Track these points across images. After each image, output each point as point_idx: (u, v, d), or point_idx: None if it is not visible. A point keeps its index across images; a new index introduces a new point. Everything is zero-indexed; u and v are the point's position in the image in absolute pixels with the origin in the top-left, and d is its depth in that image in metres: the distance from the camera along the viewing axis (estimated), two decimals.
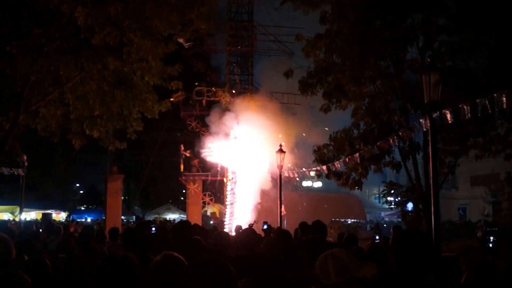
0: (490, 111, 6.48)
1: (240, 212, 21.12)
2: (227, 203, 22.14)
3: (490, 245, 5.41)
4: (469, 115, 6.64)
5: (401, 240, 2.62)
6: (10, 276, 3.13)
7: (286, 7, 13.43)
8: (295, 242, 5.67)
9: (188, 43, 17.46)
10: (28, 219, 27.31)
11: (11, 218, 25.74)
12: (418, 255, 2.51)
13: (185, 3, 11.61)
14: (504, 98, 6.06)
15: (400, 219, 19.38)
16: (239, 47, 23.84)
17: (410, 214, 12.79)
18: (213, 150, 21.28)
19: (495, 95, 6.17)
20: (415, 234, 2.67)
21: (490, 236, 5.54)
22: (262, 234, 8.54)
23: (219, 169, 22.28)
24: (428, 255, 2.58)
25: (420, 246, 2.52)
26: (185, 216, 26.53)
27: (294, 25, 18.13)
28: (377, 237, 8.79)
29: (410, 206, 13.52)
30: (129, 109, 12.91)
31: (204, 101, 22.68)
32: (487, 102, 6.25)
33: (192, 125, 23.24)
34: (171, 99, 16.82)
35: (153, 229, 8.16)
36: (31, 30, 10.72)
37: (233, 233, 12.15)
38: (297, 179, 19.81)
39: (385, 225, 30.83)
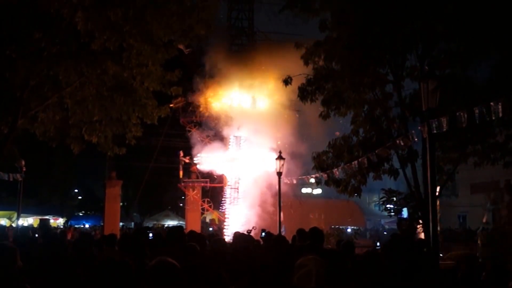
0: (487, 119, 6.49)
1: (239, 219, 21.03)
2: (226, 210, 22.06)
3: None
4: (466, 122, 6.65)
5: (393, 247, 2.62)
6: (14, 285, 3.13)
7: (285, 14, 13.46)
8: (293, 248, 5.65)
9: (188, 49, 17.51)
10: (25, 224, 27.21)
11: (7, 225, 25.62)
12: (411, 261, 2.51)
13: (185, 8, 11.63)
14: (500, 107, 6.07)
15: None
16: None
17: (405, 222, 12.72)
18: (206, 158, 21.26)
19: (491, 103, 6.18)
20: (407, 241, 2.68)
21: None
22: (261, 241, 8.51)
23: (216, 176, 22.21)
24: (421, 262, 2.58)
25: (414, 253, 2.52)
26: (184, 223, 26.43)
27: (294, 31, 18.19)
28: (378, 244, 8.78)
29: (405, 213, 13.45)
30: (129, 114, 12.90)
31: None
32: (484, 110, 6.26)
33: (192, 131, 23.20)
34: (171, 105, 16.83)
35: (150, 235, 8.15)
36: (31, 34, 10.70)
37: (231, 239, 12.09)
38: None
39: (385, 233, 30.70)
